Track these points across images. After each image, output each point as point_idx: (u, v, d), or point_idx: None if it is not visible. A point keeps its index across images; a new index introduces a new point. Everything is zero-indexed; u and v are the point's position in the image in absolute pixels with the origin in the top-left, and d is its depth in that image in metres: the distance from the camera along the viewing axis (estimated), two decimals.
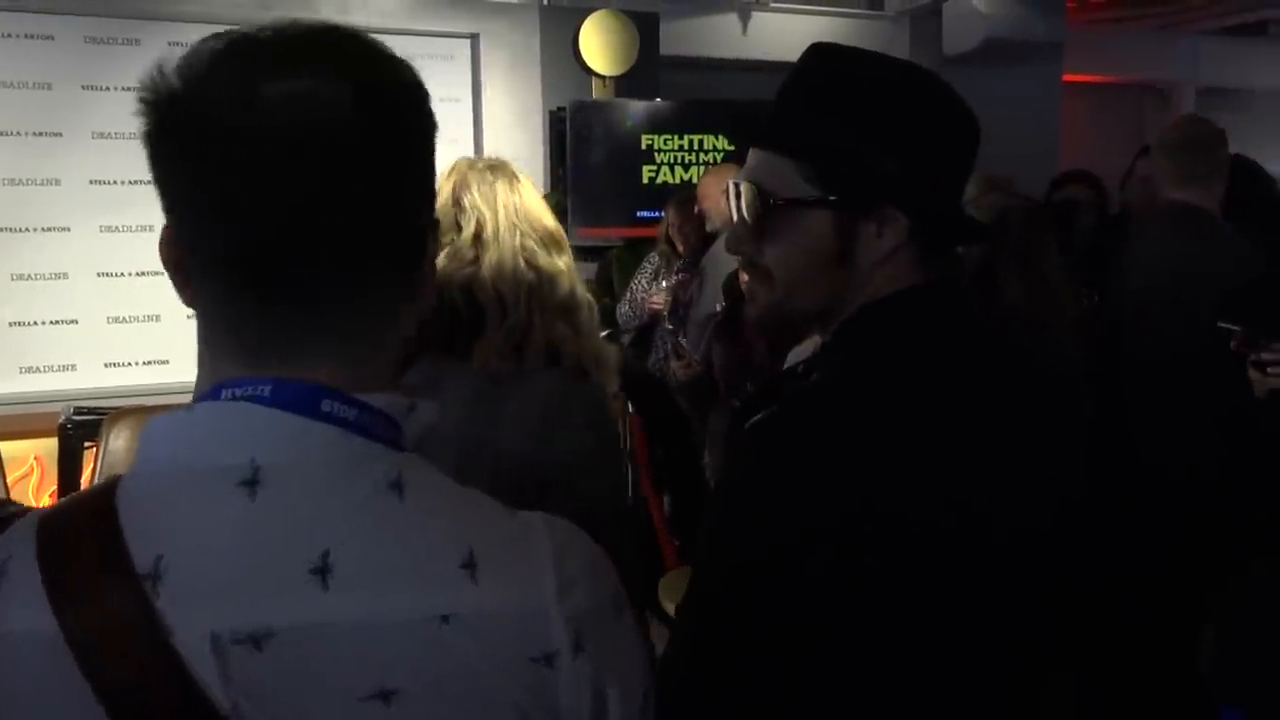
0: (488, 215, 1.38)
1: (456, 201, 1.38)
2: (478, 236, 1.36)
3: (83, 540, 0.59)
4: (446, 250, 1.34)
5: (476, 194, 1.38)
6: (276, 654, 0.58)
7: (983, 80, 5.34)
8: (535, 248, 1.38)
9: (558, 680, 0.62)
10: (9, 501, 0.69)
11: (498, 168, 1.43)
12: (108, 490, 0.62)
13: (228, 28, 0.65)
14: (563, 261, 1.41)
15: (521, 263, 1.37)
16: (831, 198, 0.96)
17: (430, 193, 0.71)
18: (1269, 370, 1.90)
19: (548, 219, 1.43)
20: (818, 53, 1.01)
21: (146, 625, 0.57)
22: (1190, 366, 2.36)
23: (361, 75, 0.63)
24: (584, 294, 1.44)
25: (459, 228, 1.36)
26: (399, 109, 0.66)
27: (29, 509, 0.68)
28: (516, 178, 1.44)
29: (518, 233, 1.38)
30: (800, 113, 0.98)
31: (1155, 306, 2.51)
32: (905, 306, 0.96)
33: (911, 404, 0.90)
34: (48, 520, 0.62)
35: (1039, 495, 0.94)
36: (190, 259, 0.64)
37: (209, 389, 0.64)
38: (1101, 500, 1.00)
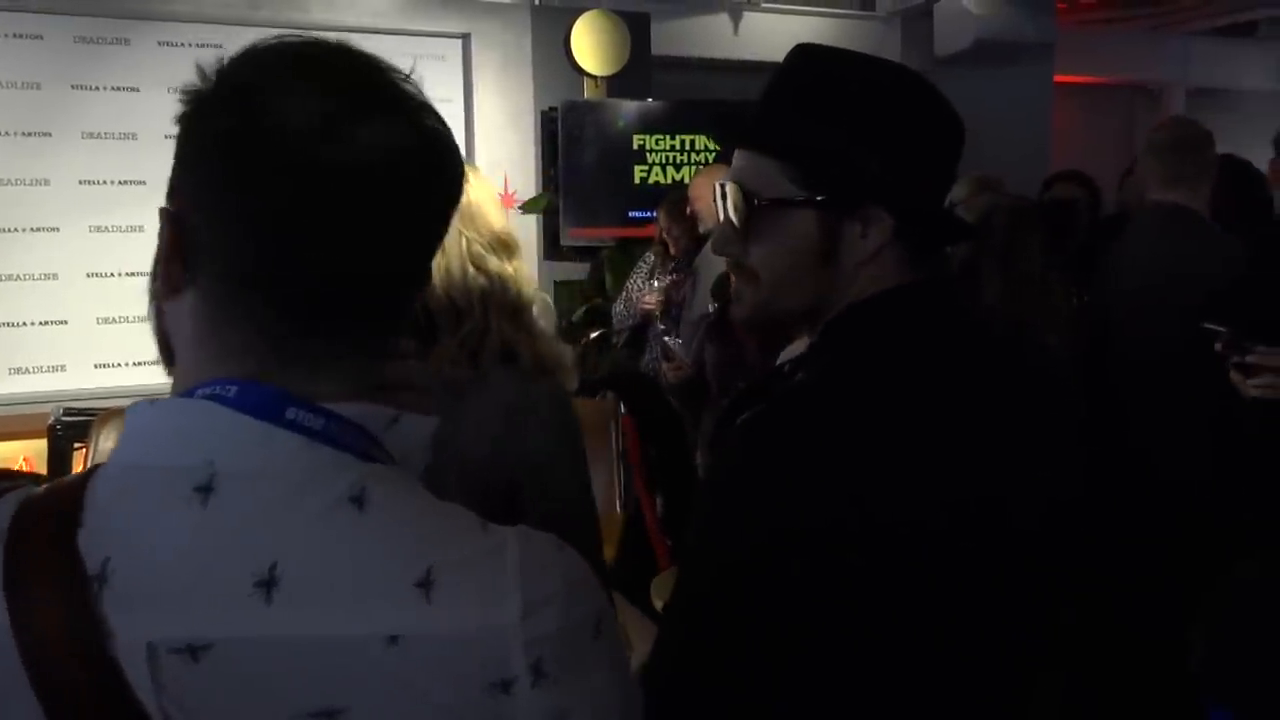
0: None
1: None
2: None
3: (43, 535, 0.59)
4: None
5: None
6: (213, 666, 0.57)
7: (974, 81, 5.37)
8: (483, 252, 1.37)
9: (515, 709, 0.59)
10: (14, 473, 0.69)
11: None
12: (81, 483, 0.62)
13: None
14: (512, 265, 1.40)
15: (471, 268, 1.36)
16: (816, 198, 0.96)
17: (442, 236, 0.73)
18: (1250, 381, 1.90)
19: (497, 220, 1.42)
20: (802, 53, 1.02)
21: (87, 629, 0.57)
22: (1179, 367, 2.37)
23: (416, 121, 0.65)
24: (535, 294, 1.44)
25: None
26: (448, 157, 0.68)
27: (27, 481, 0.68)
28: (467, 174, 1.43)
29: (463, 239, 1.36)
30: (784, 113, 0.99)
31: (1145, 307, 2.52)
32: (891, 305, 0.97)
33: (898, 403, 0.90)
34: (24, 507, 0.62)
35: (1028, 494, 0.94)
36: (197, 259, 0.63)
37: (193, 384, 0.63)
38: (1091, 499, 1.00)
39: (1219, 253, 2.51)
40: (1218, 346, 1.96)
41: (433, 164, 0.66)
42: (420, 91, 0.68)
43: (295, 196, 0.61)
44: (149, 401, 0.64)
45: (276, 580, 0.57)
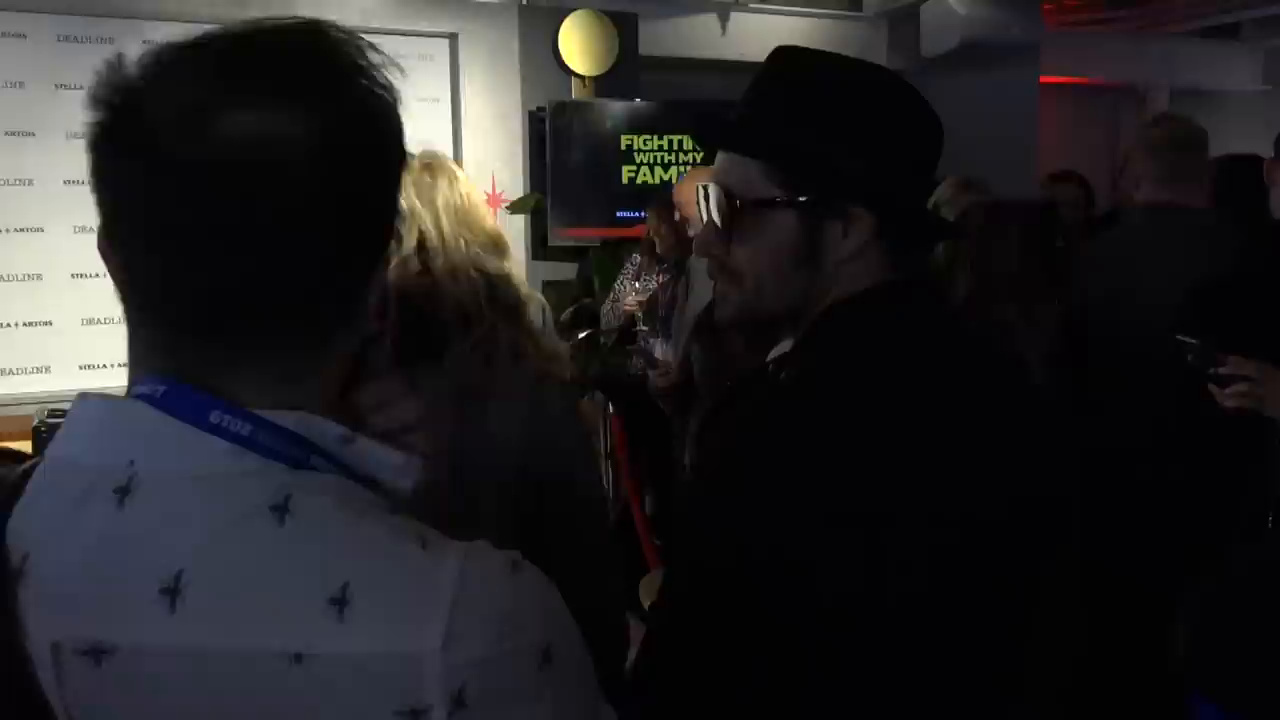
0: (429, 221, 1.35)
1: None
2: (421, 245, 1.35)
3: None
4: (394, 261, 1.32)
5: (415, 198, 1.36)
6: (115, 671, 0.55)
7: (960, 81, 5.39)
8: (482, 254, 1.38)
9: None
10: (12, 453, 0.69)
11: (435, 166, 1.40)
12: (23, 477, 0.61)
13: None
14: (507, 264, 1.41)
15: (473, 271, 1.36)
16: (797, 198, 0.97)
17: (380, 238, 0.65)
18: (1226, 391, 1.91)
19: (488, 220, 1.42)
20: (782, 55, 1.02)
21: (4, 624, 0.56)
22: (1164, 364, 2.38)
23: (325, 111, 0.59)
24: (531, 293, 1.44)
25: (398, 235, 1.35)
26: (360, 154, 0.61)
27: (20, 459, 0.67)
28: (455, 174, 1.42)
29: (462, 241, 1.36)
30: (764, 115, 1.00)
31: (1136, 307, 2.52)
32: (873, 303, 0.97)
33: (880, 400, 0.91)
34: None
35: (1006, 488, 0.95)
36: (117, 267, 0.61)
37: (131, 379, 0.63)
38: (1069, 492, 1.01)
39: (1212, 253, 2.52)
40: (1190, 358, 1.97)
41: (332, 161, 0.59)
42: (345, 65, 0.61)
43: (157, 198, 0.58)
44: (90, 396, 0.63)
45: (180, 589, 0.55)
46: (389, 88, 0.63)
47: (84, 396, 0.63)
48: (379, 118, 0.62)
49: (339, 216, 0.60)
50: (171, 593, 0.55)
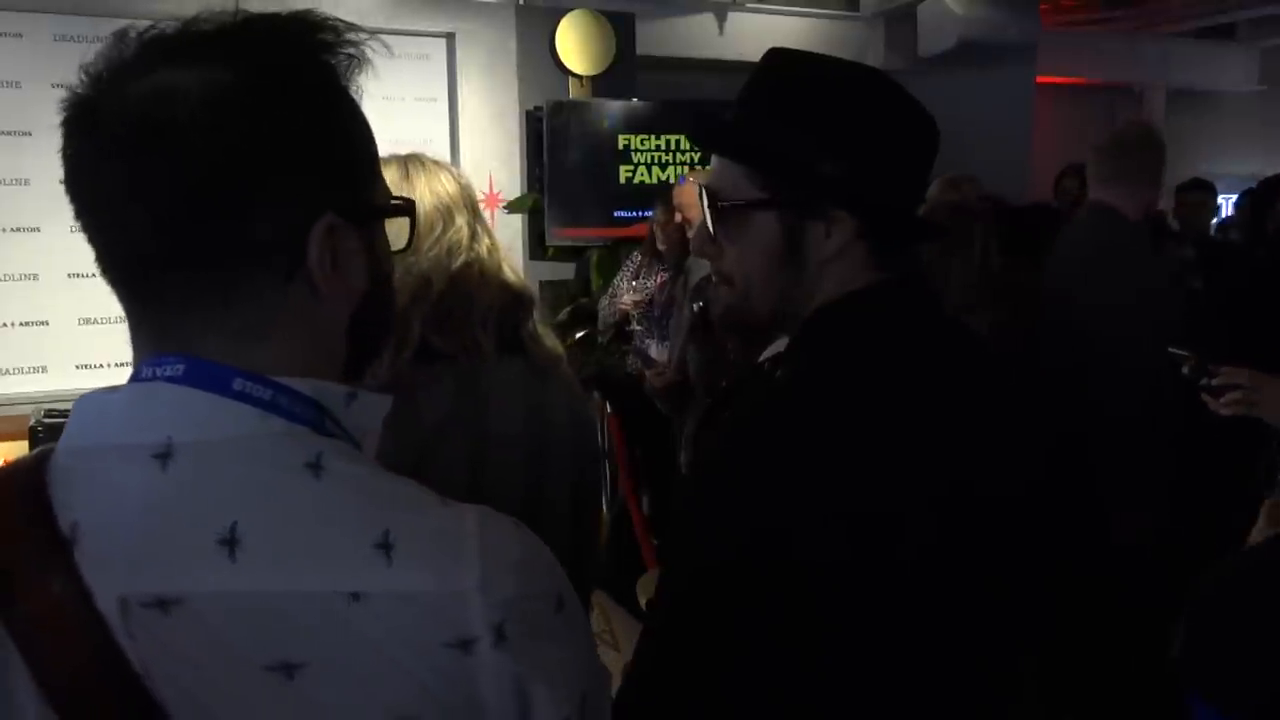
0: (433, 212, 1.38)
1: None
2: (443, 233, 1.38)
3: (13, 508, 0.61)
4: (435, 252, 1.35)
5: (427, 189, 1.39)
6: (182, 619, 0.58)
7: (956, 81, 5.40)
8: (484, 241, 1.41)
9: (476, 669, 0.60)
10: None
11: (427, 159, 1.44)
12: (39, 461, 0.63)
13: None
14: (499, 254, 1.45)
15: (470, 255, 1.40)
16: (778, 200, 0.98)
17: (311, 190, 0.66)
18: (1221, 400, 1.94)
19: (475, 201, 1.46)
20: (771, 57, 1.03)
21: (72, 589, 0.58)
22: (1104, 367, 2.39)
23: (239, 70, 0.63)
24: (522, 280, 1.49)
25: (430, 228, 1.38)
26: (269, 106, 0.64)
27: None
28: (437, 162, 1.47)
29: (467, 230, 1.40)
30: (751, 118, 1.00)
31: (1069, 306, 2.55)
32: (859, 305, 0.98)
33: (871, 399, 0.91)
34: None
35: (996, 482, 0.96)
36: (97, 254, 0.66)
37: (134, 369, 0.66)
38: (1058, 489, 1.02)
39: (1136, 256, 2.56)
40: (1184, 370, 2.00)
41: (231, 112, 0.62)
42: (264, 30, 0.65)
43: (84, 173, 0.63)
44: (98, 391, 0.65)
45: (238, 539, 0.59)
46: (329, 48, 0.67)
47: (92, 393, 0.65)
48: (293, 73, 0.65)
49: (242, 170, 0.63)
50: (230, 543, 0.59)
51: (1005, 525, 0.95)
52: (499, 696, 0.60)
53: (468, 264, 1.36)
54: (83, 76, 0.64)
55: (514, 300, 1.40)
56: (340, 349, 0.70)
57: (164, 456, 0.61)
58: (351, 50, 0.68)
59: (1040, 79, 6.52)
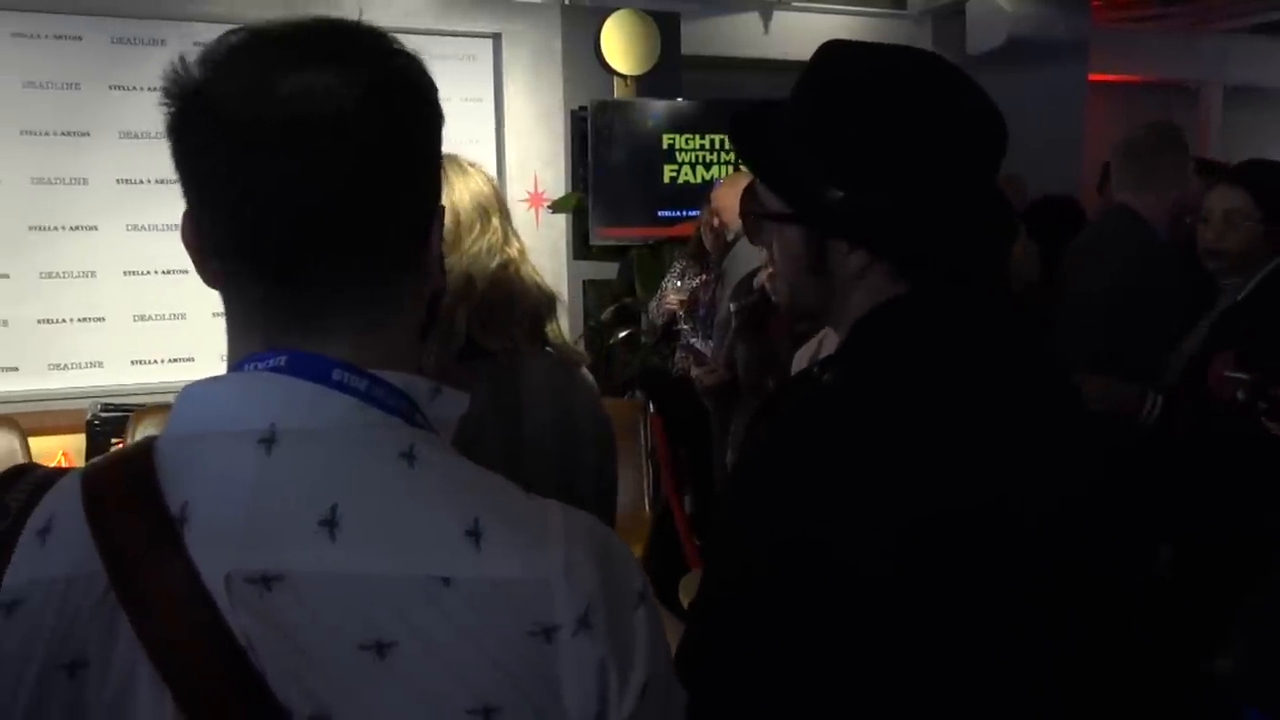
0: (473, 212, 1.42)
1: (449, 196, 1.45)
2: (480, 234, 1.42)
3: (124, 491, 0.64)
4: (475, 250, 1.39)
5: (465, 189, 1.43)
6: (284, 595, 0.61)
7: (1006, 80, 5.31)
8: (519, 244, 1.46)
9: (558, 655, 0.62)
10: (35, 465, 0.74)
11: (463, 160, 1.48)
12: (145, 448, 0.66)
13: None
14: (523, 246, 1.49)
15: (511, 256, 1.44)
16: (794, 218, 0.98)
17: (434, 183, 0.73)
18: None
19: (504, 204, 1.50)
20: (820, 54, 1.01)
21: (181, 564, 0.61)
22: (1111, 368, 2.35)
23: (372, 69, 0.66)
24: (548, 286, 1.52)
25: (471, 229, 1.42)
26: (407, 103, 0.68)
27: (56, 468, 0.71)
28: (471, 164, 1.50)
29: (504, 231, 1.44)
30: (780, 129, 1.00)
31: (1081, 308, 2.52)
32: (888, 319, 0.96)
33: (922, 405, 0.90)
34: (90, 476, 0.66)
35: (1046, 491, 0.94)
36: (208, 243, 0.68)
37: (235, 363, 0.68)
38: (1113, 497, 1.00)
39: (1150, 259, 2.51)
40: (1239, 395, 1.94)
41: (384, 111, 0.66)
42: (384, 42, 0.69)
43: (232, 162, 0.65)
44: (202, 381, 0.68)
45: (337, 521, 0.62)
46: (416, 57, 0.71)
47: (196, 383, 0.68)
48: (419, 79, 0.70)
49: (391, 161, 0.67)
50: (330, 524, 0.61)
51: (1052, 532, 0.94)
52: (578, 684, 0.62)
53: (504, 264, 1.41)
54: (189, 71, 0.66)
55: (544, 302, 1.44)
56: (419, 341, 0.73)
57: (268, 441, 0.63)
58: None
59: (1093, 77, 6.41)
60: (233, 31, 0.67)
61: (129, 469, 0.65)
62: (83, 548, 0.62)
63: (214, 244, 0.68)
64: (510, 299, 1.39)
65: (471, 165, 1.47)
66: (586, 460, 1.44)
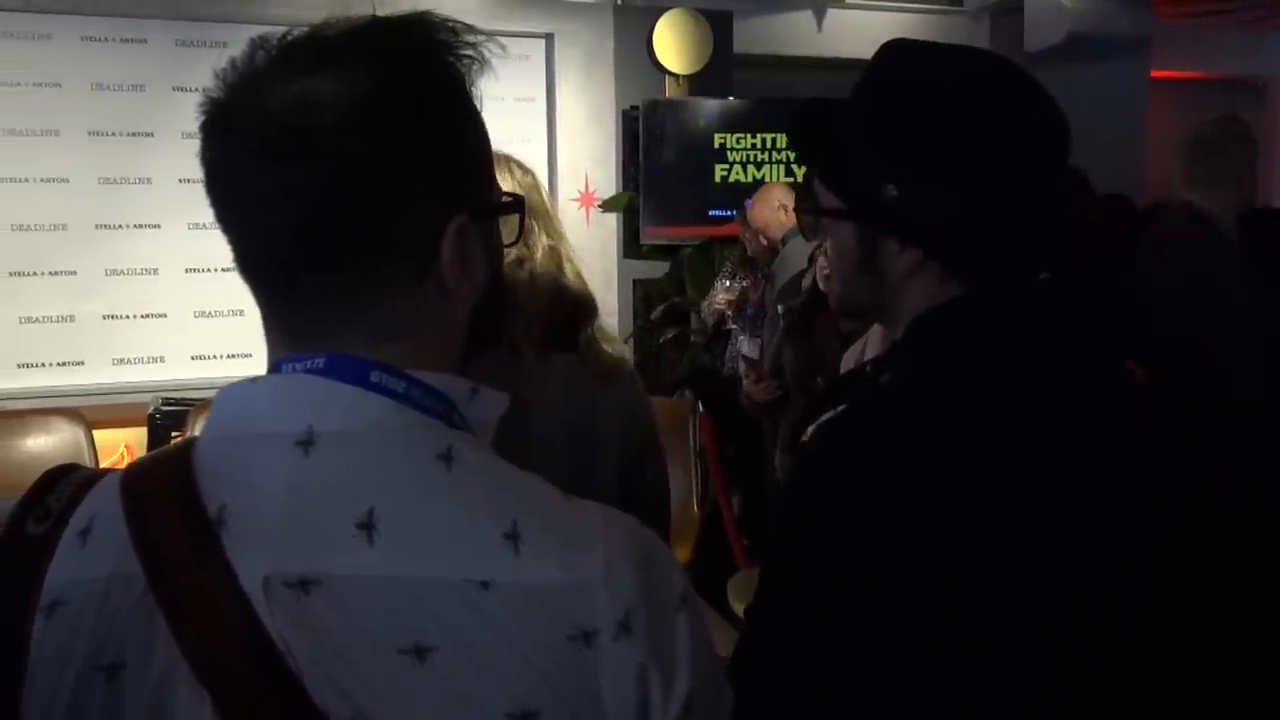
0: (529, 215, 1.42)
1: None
2: (530, 235, 1.40)
3: (163, 493, 0.64)
4: (528, 253, 1.39)
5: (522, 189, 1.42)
6: (322, 599, 0.60)
7: (1066, 77, 5.21)
8: (542, 237, 1.43)
9: (597, 660, 0.61)
10: (77, 465, 0.76)
11: (505, 155, 1.45)
12: (184, 450, 0.67)
13: None
14: (558, 246, 1.46)
15: (555, 260, 1.43)
16: (848, 215, 0.98)
17: (450, 188, 0.69)
18: None
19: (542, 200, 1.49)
20: (883, 52, 1.00)
21: (219, 567, 0.61)
22: (1187, 365, 2.27)
23: (367, 75, 0.65)
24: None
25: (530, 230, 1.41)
26: (408, 105, 0.66)
27: (99, 469, 0.72)
28: (509, 157, 1.48)
29: (534, 224, 1.42)
30: (838, 124, 0.99)
31: (1165, 307, 2.43)
32: (942, 320, 0.94)
33: (980, 412, 0.89)
34: (130, 477, 0.67)
35: (1115, 503, 0.92)
36: (235, 251, 0.69)
37: (273, 363, 0.68)
38: (1180, 511, 0.97)
39: (1213, 265, 2.40)
40: None
41: (375, 117, 0.64)
42: (398, 38, 0.68)
43: (225, 177, 0.66)
44: (240, 382, 0.68)
45: (375, 524, 0.61)
46: (439, 54, 0.69)
47: (231, 385, 0.69)
48: (428, 75, 0.68)
49: (381, 172, 0.65)
50: (368, 527, 0.61)
51: (1119, 544, 0.91)
52: (617, 689, 0.61)
53: (518, 261, 1.35)
54: (218, 82, 0.67)
55: (570, 305, 1.39)
56: (460, 344, 0.72)
57: (306, 444, 0.63)
58: (470, 52, 0.70)
59: (1156, 73, 6.26)
60: (260, 38, 0.68)
61: (169, 470, 0.65)
62: (122, 548, 0.62)
63: (235, 253, 0.69)
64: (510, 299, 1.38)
65: (509, 158, 1.42)
66: (606, 461, 1.40)
